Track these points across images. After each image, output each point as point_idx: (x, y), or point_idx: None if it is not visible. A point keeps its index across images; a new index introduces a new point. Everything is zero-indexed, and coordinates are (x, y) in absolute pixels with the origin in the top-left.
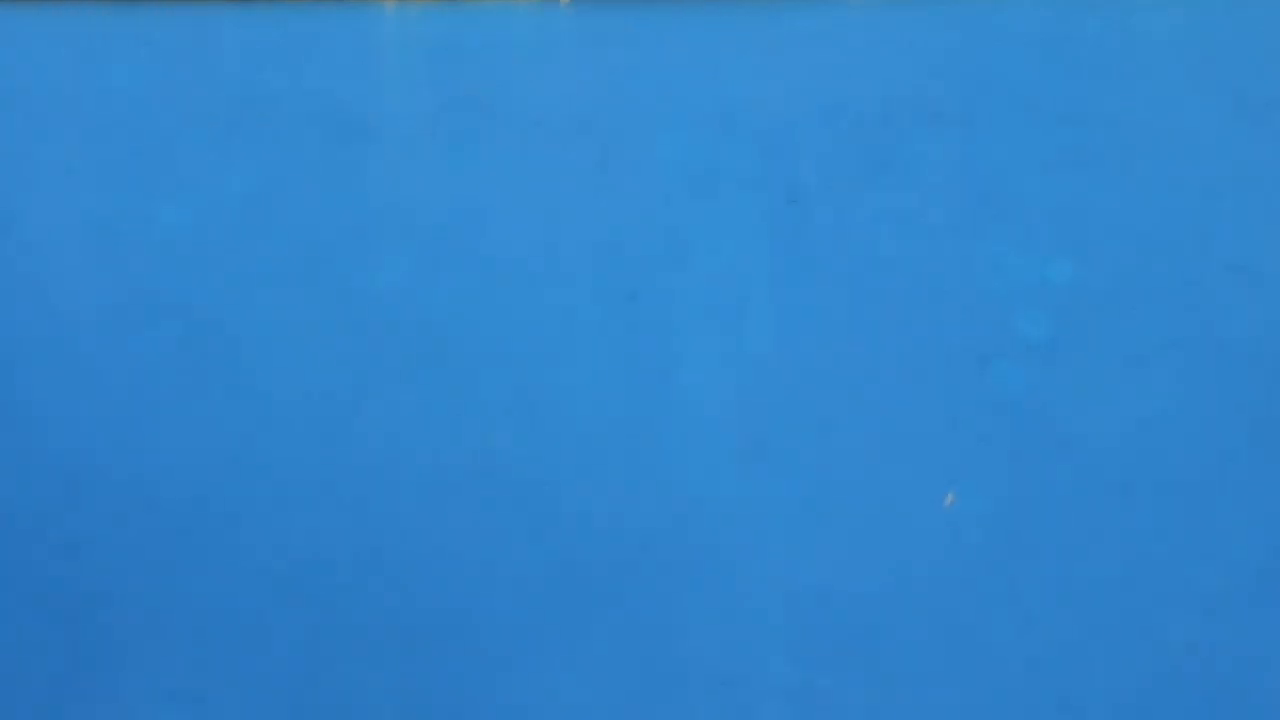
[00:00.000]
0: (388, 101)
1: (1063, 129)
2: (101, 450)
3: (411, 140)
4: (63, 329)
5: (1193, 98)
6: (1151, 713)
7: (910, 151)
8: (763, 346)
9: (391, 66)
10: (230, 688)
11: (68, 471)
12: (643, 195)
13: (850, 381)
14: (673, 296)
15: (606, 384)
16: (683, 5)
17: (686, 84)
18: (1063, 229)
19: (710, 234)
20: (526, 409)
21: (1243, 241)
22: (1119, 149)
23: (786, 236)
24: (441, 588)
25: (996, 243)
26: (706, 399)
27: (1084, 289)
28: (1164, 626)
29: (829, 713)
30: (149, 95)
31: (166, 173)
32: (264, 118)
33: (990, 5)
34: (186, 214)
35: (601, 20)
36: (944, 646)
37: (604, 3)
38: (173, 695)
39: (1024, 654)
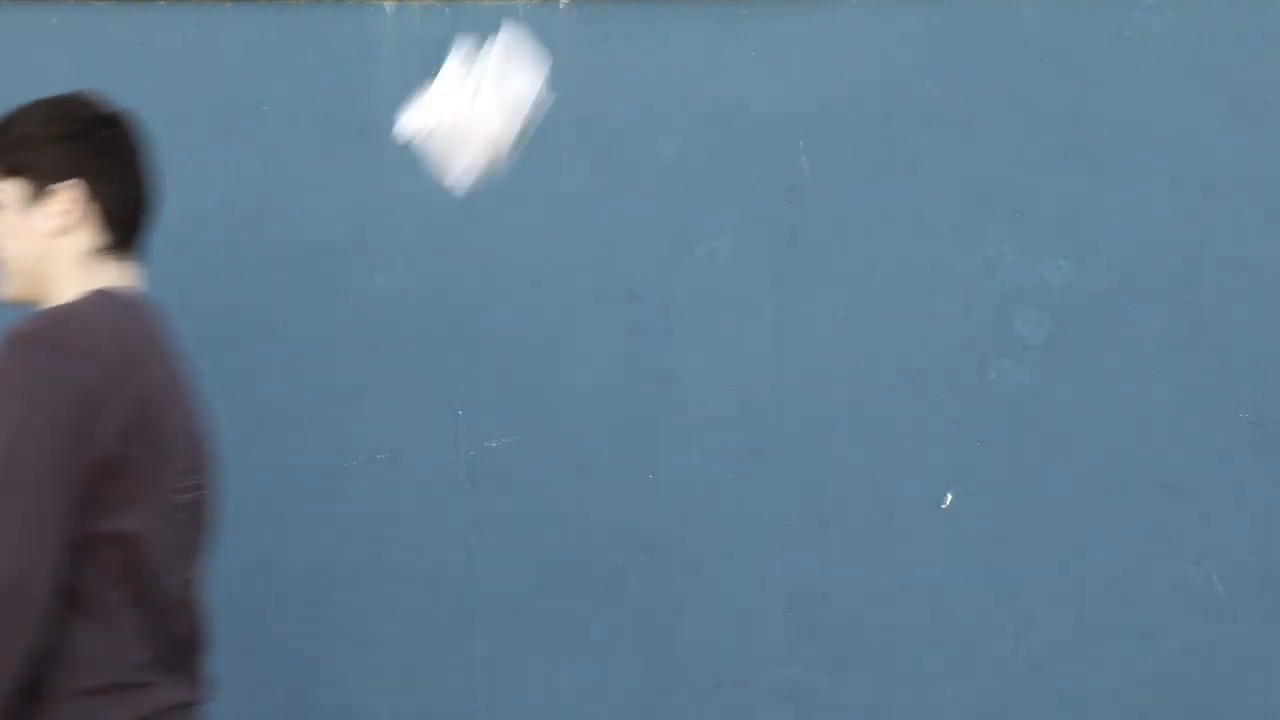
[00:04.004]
0: (388, 101)
1: (1063, 129)
2: None
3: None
4: None
5: (1192, 98)
6: (1151, 713)
7: (910, 151)
8: (763, 346)
9: (391, 66)
10: (230, 688)
11: None
12: (643, 195)
13: (850, 381)
14: (673, 296)
15: (606, 384)
16: (683, 5)
17: (686, 84)
18: (1063, 229)
19: (710, 234)
20: (526, 409)
21: (1243, 241)
22: (1119, 149)
23: (786, 236)
24: (442, 588)
25: (996, 243)
26: (706, 399)
27: (1084, 289)
28: (1164, 626)
29: (829, 713)
30: (149, 95)
31: (166, 172)
32: (264, 118)
33: (990, 5)
34: (186, 214)
35: (601, 20)
36: (944, 646)
37: (604, 3)
38: None
39: (1024, 654)
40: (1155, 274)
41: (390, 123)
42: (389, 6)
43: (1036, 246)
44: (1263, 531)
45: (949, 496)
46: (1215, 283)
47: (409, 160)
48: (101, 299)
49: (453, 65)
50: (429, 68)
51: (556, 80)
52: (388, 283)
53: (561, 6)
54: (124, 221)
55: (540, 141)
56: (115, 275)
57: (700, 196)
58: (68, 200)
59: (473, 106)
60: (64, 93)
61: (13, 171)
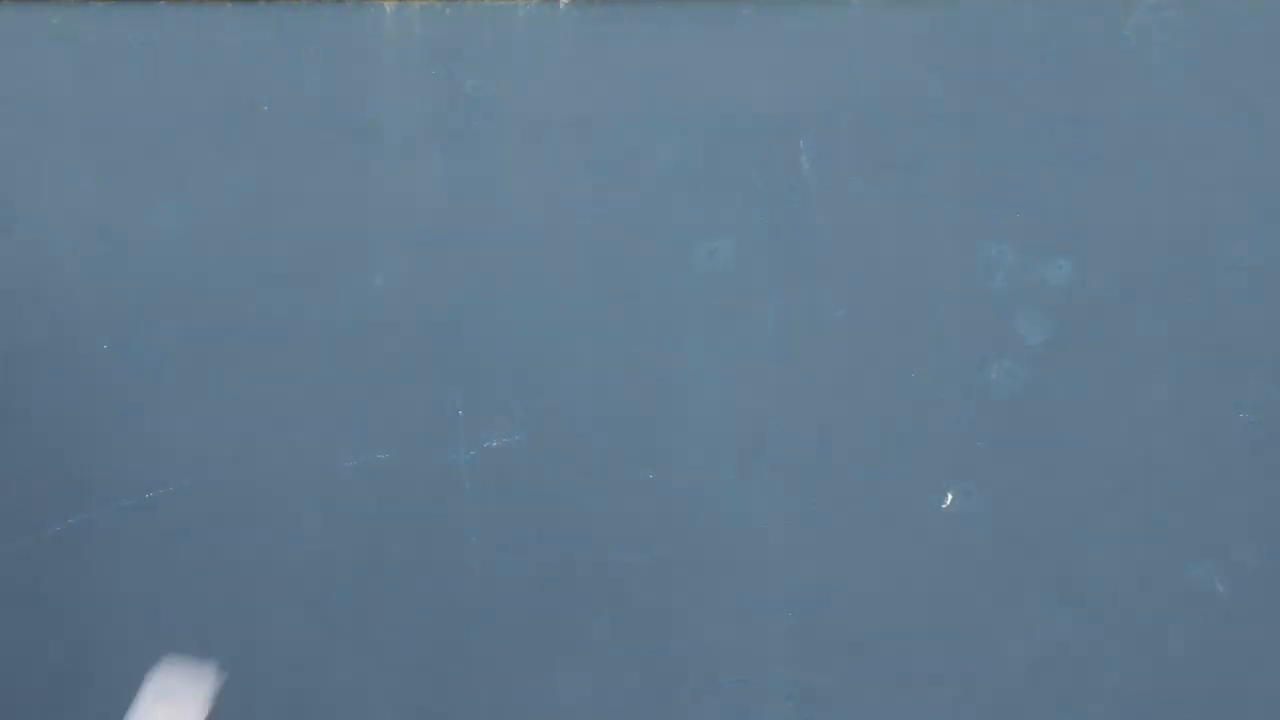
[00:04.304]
0: (388, 101)
1: (1063, 129)
2: (101, 450)
3: (411, 140)
4: (63, 329)
5: (1192, 98)
6: (1151, 713)
7: (910, 151)
8: (763, 346)
9: (391, 66)
10: (230, 687)
11: (68, 471)
12: (643, 195)
13: (850, 381)
14: (673, 296)
15: (606, 384)
16: (683, 5)
17: (686, 84)
18: (1063, 229)
19: (710, 234)
20: (526, 409)
21: (1243, 241)
22: (1119, 149)
23: (786, 236)
24: (441, 588)
25: (996, 243)
26: (706, 399)
27: (1084, 289)
28: (1164, 626)
29: (829, 713)
30: (149, 95)
31: (166, 173)
32: (264, 118)
33: (990, 5)
34: (186, 214)
35: (601, 20)
36: (944, 646)
37: (604, 3)
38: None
39: (1024, 654)
40: (1155, 274)
41: (390, 123)
42: (389, 6)
43: (1036, 246)
44: (1263, 531)
45: (949, 496)
46: (1215, 283)
47: (409, 160)
48: None
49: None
50: (429, 68)
51: (556, 80)
52: (388, 283)
53: (561, 7)
54: None
55: (540, 141)
56: None
57: (700, 196)
58: None
59: None
60: None
61: None
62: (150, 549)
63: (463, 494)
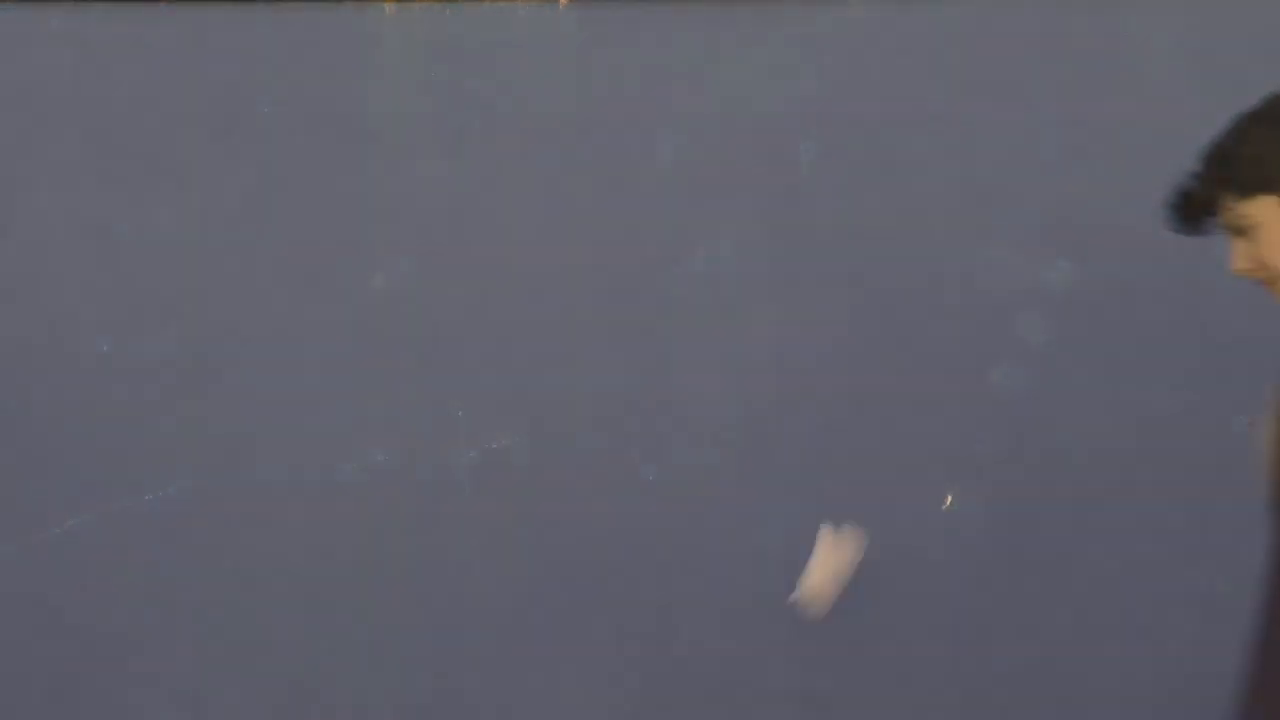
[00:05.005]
0: (388, 101)
1: (1063, 129)
2: (101, 450)
3: (411, 140)
4: (63, 329)
5: (1192, 98)
6: (1151, 713)
7: (910, 151)
8: (762, 347)
9: (391, 66)
10: (230, 688)
11: (68, 472)
12: (643, 195)
13: (850, 381)
14: (673, 297)
15: (606, 384)
16: (683, 5)
17: (686, 84)
18: (1063, 229)
19: (710, 234)
20: (526, 409)
21: None
22: (1119, 149)
23: (786, 236)
24: (442, 588)
25: (996, 243)
26: (706, 399)
27: (1084, 289)
28: (1164, 626)
29: (829, 713)
30: (149, 95)
31: (166, 172)
32: (264, 118)
33: (990, 5)
34: (186, 214)
35: (601, 20)
36: (944, 647)
37: (604, 3)
38: (173, 695)
39: (1024, 654)
40: (1155, 274)
41: (390, 123)
42: (389, 7)
43: (1036, 246)
44: (1262, 531)
45: (949, 496)
46: (1215, 283)
47: (409, 160)
48: None
49: None
50: (429, 68)
51: (556, 80)
52: (388, 283)
53: (561, 6)
54: None
55: (540, 141)
56: None
57: (700, 196)
58: None
59: None
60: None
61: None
62: (150, 550)
63: (463, 494)
